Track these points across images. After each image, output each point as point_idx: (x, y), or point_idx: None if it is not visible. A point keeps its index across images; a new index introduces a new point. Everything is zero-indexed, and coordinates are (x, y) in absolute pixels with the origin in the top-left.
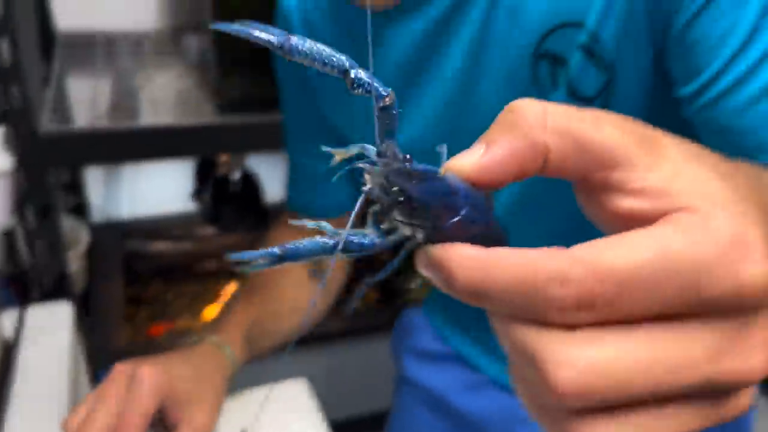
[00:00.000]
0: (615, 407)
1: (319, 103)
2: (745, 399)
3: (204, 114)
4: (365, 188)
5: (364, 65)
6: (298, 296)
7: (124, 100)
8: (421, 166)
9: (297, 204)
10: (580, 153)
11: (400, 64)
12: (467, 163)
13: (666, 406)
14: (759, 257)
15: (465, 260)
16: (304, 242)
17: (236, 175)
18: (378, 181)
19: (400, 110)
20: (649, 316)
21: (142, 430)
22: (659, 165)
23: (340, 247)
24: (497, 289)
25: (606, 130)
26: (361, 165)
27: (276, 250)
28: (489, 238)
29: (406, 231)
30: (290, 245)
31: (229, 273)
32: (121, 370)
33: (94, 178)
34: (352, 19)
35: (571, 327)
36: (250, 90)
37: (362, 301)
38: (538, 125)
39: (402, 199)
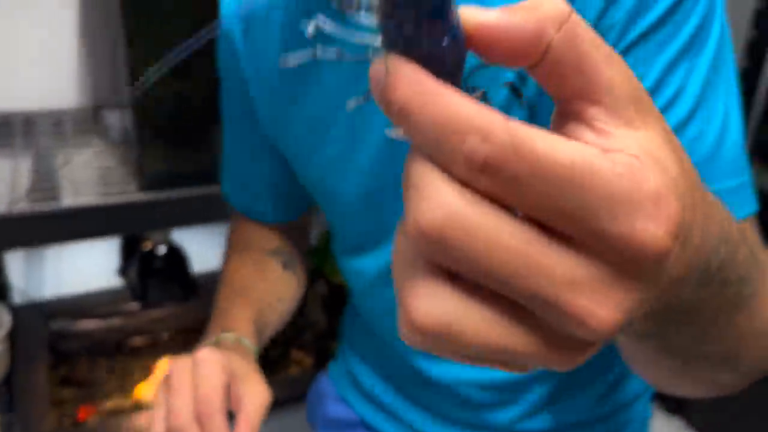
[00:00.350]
0: (464, 281)
1: (261, 122)
2: (580, 356)
3: (127, 192)
4: None
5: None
6: (281, 288)
7: (45, 180)
8: None
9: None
10: (576, 71)
11: (342, 108)
12: (475, 14)
13: (508, 308)
14: (665, 226)
15: (413, 77)
16: None
17: (162, 250)
18: None
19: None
20: (539, 218)
21: (223, 405)
22: (636, 127)
23: None
24: (426, 116)
25: (613, 69)
26: None
27: None
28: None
29: (374, 23)
30: None
31: (159, 348)
32: (177, 362)
33: (14, 259)
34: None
35: (465, 184)
36: (172, 165)
37: (298, 367)
38: (554, 21)
39: None
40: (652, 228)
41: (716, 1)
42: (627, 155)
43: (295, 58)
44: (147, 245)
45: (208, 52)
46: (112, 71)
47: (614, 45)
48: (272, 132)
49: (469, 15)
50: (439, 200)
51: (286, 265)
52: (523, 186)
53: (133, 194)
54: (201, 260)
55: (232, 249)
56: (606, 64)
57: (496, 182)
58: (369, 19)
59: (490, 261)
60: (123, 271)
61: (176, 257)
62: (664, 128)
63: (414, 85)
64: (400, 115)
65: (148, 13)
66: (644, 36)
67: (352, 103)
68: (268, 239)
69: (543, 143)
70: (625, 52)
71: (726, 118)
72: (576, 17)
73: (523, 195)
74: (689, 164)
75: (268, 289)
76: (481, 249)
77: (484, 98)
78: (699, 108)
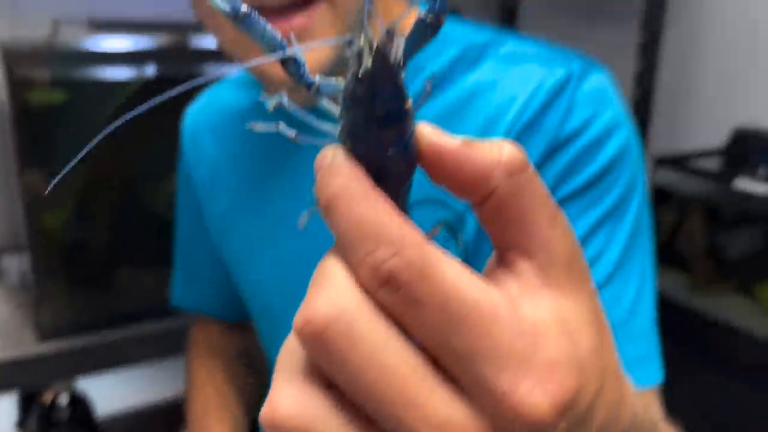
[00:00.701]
0: (339, 392)
1: (211, 235)
2: None
3: (25, 343)
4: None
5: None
6: (250, 394)
7: None
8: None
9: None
10: (517, 222)
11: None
12: (431, 134)
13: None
14: (552, 397)
15: (349, 173)
16: (266, 25)
17: (64, 400)
18: (377, 40)
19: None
20: (430, 350)
21: None
22: (563, 293)
23: (288, 52)
24: (348, 214)
25: (555, 230)
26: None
27: (237, 4)
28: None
29: (336, 110)
30: (255, 16)
31: None
32: None
33: None
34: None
35: (366, 290)
36: (73, 312)
37: None
38: (506, 167)
39: (376, 68)
40: (536, 395)
41: (638, 176)
42: (538, 317)
43: (261, 126)
44: (48, 397)
45: (109, 196)
46: (9, 212)
47: None
48: (216, 239)
49: (425, 132)
50: (332, 298)
51: (251, 368)
52: (421, 311)
53: (30, 346)
54: (105, 407)
55: (197, 353)
56: (548, 223)
57: (395, 299)
58: (331, 107)
59: (365, 376)
60: (22, 424)
61: (80, 406)
62: (592, 302)
63: (347, 181)
64: (326, 207)
65: (43, 153)
66: (570, 197)
67: (303, 219)
68: (231, 340)
69: (453, 274)
70: None
71: (641, 287)
72: (530, 171)
73: (418, 321)
74: (610, 346)
75: (239, 400)
76: (359, 360)
77: (443, 231)
78: (617, 273)
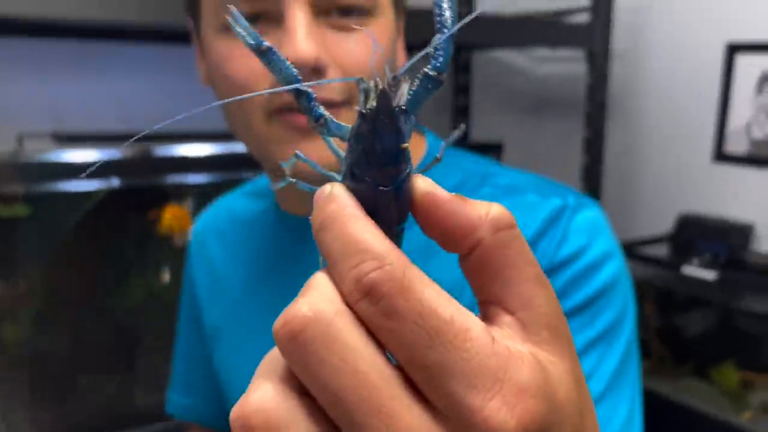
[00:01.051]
0: (311, 399)
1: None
2: None
3: None
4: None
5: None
6: None
7: None
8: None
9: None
10: (500, 277)
11: None
12: (427, 184)
13: None
14: (519, 417)
15: (342, 201)
16: (285, 61)
17: None
18: (385, 86)
19: None
20: (405, 364)
21: None
22: (544, 349)
23: (302, 86)
24: (336, 230)
25: (538, 290)
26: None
27: (260, 40)
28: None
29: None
30: (275, 51)
31: None
32: None
33: None
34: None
35: (348, 301)
36: (34, 426)
37: None
38: (493, 222)
39: (379, 108)
40: (504, 414)
41: (629, 305)
42: (513, 346)
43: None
44: None
45: (70, 304)
46: None
47: None
48: (209, 343)
49: (420, 183)
50: (312, 302)
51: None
52: (398, 324)
53: None
54: None
55: None
56: (532, 282)
57: (375, 310)
58: (334, 145)
59: (336, 380)
60: None
61: None
62: (574, 365)
63: (340, 207)
64: (318, 230)
65: (5, 265)
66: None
67: None
68: None
69: (432, 292)
70: None
71: (631, 411)
72: (517, 231)
73: (395, 333)
74: (591, 412)
75: None
76: (332, 363)
77: None
78: (608, 394)
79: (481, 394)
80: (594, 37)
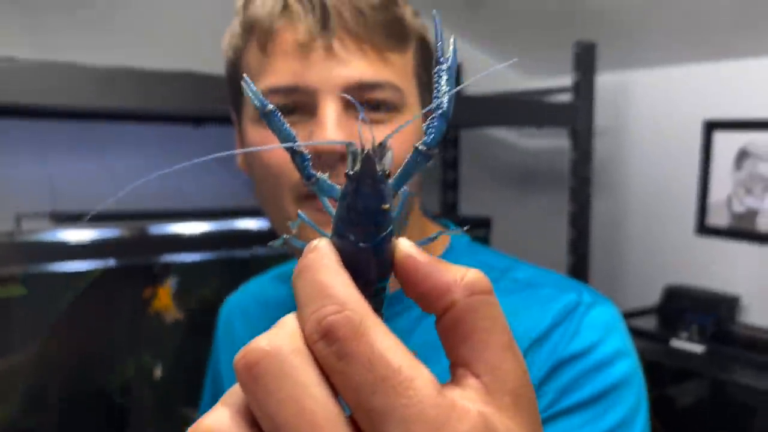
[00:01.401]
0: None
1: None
2: None
3: None
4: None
5: None
6: None
7: None
8: (388, 190)
9: None
10: (469, 339)
11: None
12: (409, 247)
13: None
14: None
15: (323, 252)
16: (285, 124)
17: None
18: (370, 151)
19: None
20: (352, 408)
21: None
22: (504, 414)
23: (300, 145)
24: (309, 276)
25: (506, 357)
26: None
27: (266, 103)
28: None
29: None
30: (278, 114)
31: None
32: None
33: None
34: None
35: (307, 342)
36: None
37: None
38: (467, 285)
39: (363, 169)
40: None
41: (641, 405)
42: (461, 402)
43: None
44: None
45: (62, 383)
46: None
47: (543, 410)
48: None
49: (402, 245)
50: (272, 338)
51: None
52: (349, 366)
53: None
54: None
55: None
56: (501, 348)
57: (329, 352)
58: (326, 203)
59: (283, 412)
60: None
61: None
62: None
63: (318, 256)
64: (295, 278)
65: None
66: (574, 409)
67: None
68: None
69: (385, 340)
70: (552, 419)
71: None
72: (492, 298)
73: (345, 375)
74: None
75: None
76: (281, 396)
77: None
78: None
79: None
80: (577, 116)
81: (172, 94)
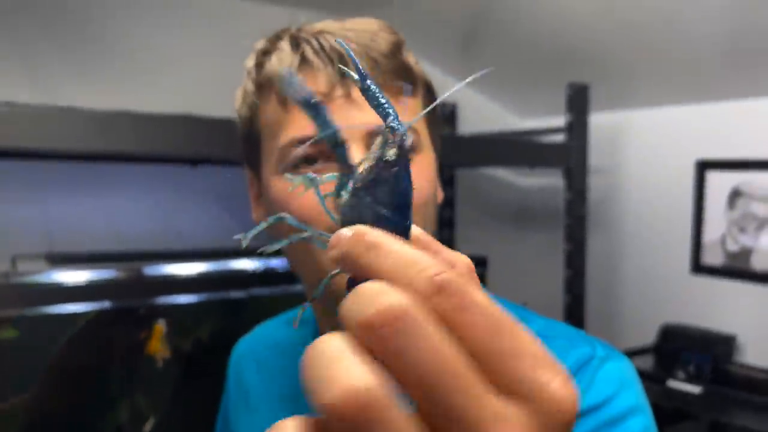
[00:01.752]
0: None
1: None
2: None
3: None
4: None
5: None
6: None
7: None
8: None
9: None
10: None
11: None
12: (421, 230)
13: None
14: (574, 395)
15: (380, 235)
16: (328, 113)
17: None
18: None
19: None
20: (477, 356)
21: None
22: None
23: (335, 131)
24: (393, 249)
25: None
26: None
27: (311, 94)
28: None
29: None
30: (323, 105)
31: None
32: None
33: None
34: None
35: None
36: None
37: None
38: (462, 263)
39: (386, 159)
40: (568, 389)
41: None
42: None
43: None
44: None
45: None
46: None
47: None
48: None
49: (415, 230)
50: (395, 297)
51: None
52: (471, 315)
53: None
54: None
55: None
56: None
57: (449, 305)
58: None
59: (432, 365)
60: None
61: None
62: None
63: (377, 233)
64: (359, 254)
65: None
66: None
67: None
68: None
69: (482, 293)
70: None
71: None
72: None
73: (469, 324)
74: None
75: None
76: (427, 348)
77: None
78: None
79: (546, 372)
80: (570, 156)
81: (171, 137)
